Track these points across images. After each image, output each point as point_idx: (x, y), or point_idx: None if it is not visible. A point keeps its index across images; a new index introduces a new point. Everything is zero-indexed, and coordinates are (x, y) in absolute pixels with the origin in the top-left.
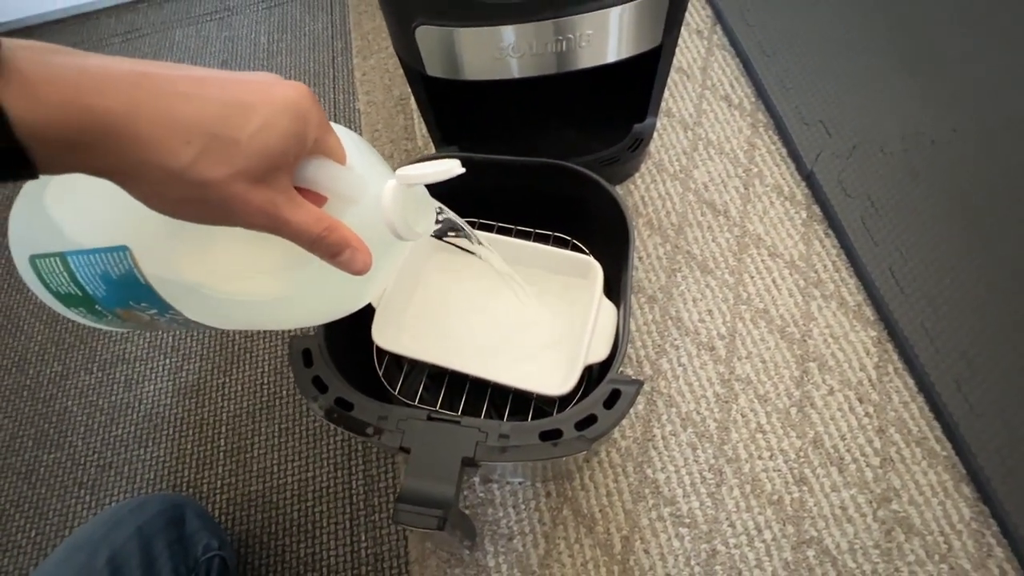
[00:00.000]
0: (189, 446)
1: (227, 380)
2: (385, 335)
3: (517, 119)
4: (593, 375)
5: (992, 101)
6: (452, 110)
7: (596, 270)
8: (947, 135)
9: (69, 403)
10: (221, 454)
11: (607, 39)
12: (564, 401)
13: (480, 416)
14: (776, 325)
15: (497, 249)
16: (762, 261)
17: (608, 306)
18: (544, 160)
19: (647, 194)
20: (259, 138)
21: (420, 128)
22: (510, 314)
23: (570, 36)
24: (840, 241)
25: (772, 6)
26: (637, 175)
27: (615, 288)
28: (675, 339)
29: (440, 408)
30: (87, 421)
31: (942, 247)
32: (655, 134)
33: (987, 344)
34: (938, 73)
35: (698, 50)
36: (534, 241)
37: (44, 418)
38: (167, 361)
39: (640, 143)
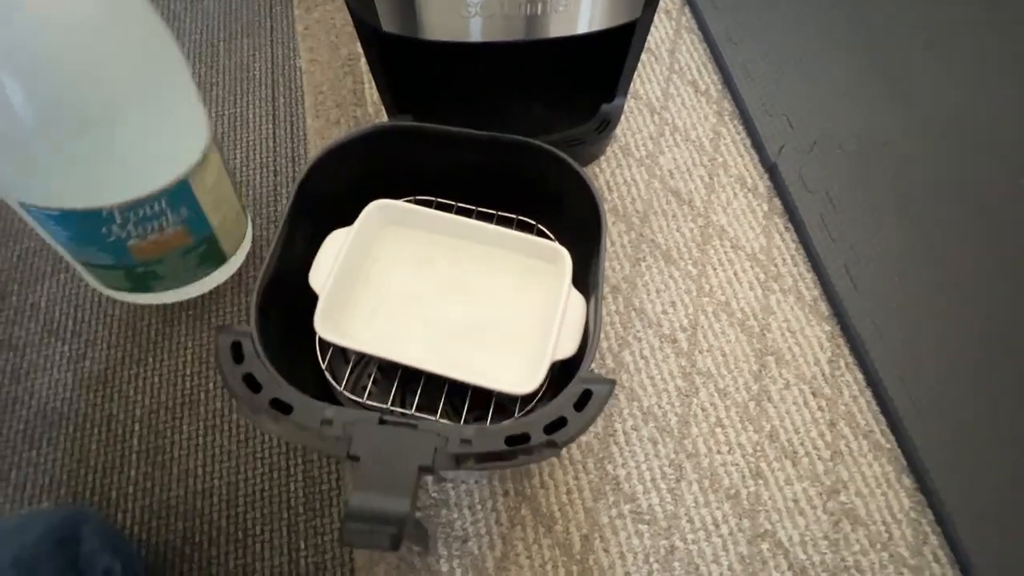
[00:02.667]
0: (94, 447)
1: (141, 371)
2: (329, 325)
3: (478, 90)
4: (554, 371)
5: (938, 107)
6: (407, 75)
7: (564, 258)
8: (897, 137)
9: None
10: (134, 456)
11: (583, 6)
12: (526, 398)
13: (437, 412)
14: (737, 318)
15: (458, 229)
16: (725, 253)
17: (576, 298)
18: (511, 137)
19: (612, 179)
20: None
21: (371, 93)
22: (470, 299)
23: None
24: (799, 236)
25: None
26: (603, 158)
27: (582, 279)
28: (638, 331)
29: (392, 405)
30: None
31: (893, 246)
32: (622, 117)
33: (930, 342)
34: (891, 76)
35: (666, 31)
36: (496, 223)
37: None
38: (65, 348)
39: (607, 124)
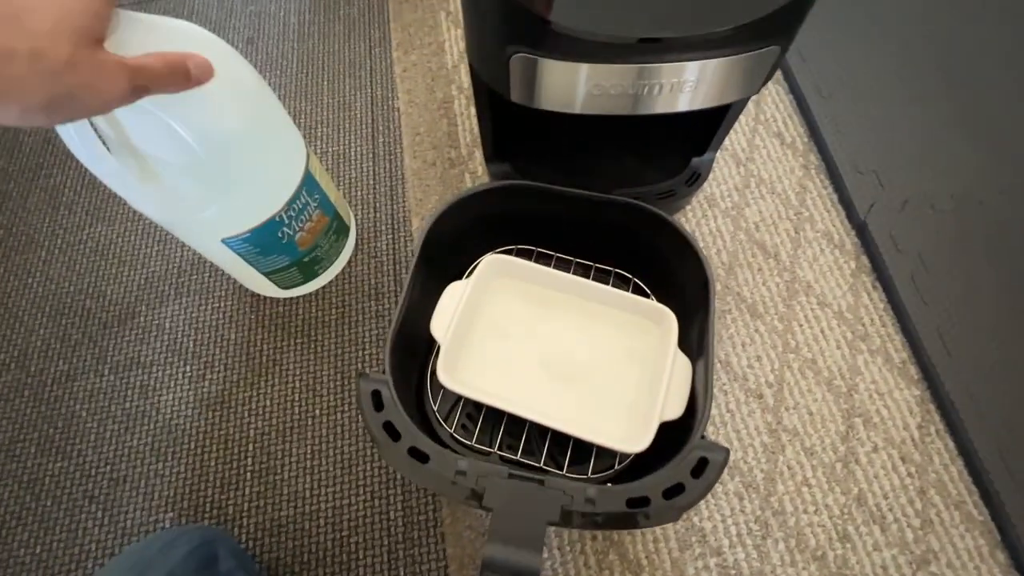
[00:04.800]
0: (213, 463)
1: (254, 394)
2: (449, 374)
3: (573, 142)
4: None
5: None
6: (509, 128)
7: (670, 319)
8: (993, 197)
9: (77, 407)
10: (248, 474)
11: (701, 87)
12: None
13: (540, 458)
14: (823, 377)
15: (568, 285)
16: (811, 309)
17: (682, 360)
18: (623, 199)
19: (698, 229)
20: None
21: (464, 135)
22: (578, 354)
23: (662, 82)
24: (888, 296)
25: (830, 45)
26: (688, 208)
27: (682, 339)
28: (724, 384)
29: (497, 449)
30: (98, 428)
31: (990, 312)
32: None
33: None
34: (988, 134)
35: None
36: (594, 277)
37: (49, 422)
38: (187, 368)
39: (698, 178)
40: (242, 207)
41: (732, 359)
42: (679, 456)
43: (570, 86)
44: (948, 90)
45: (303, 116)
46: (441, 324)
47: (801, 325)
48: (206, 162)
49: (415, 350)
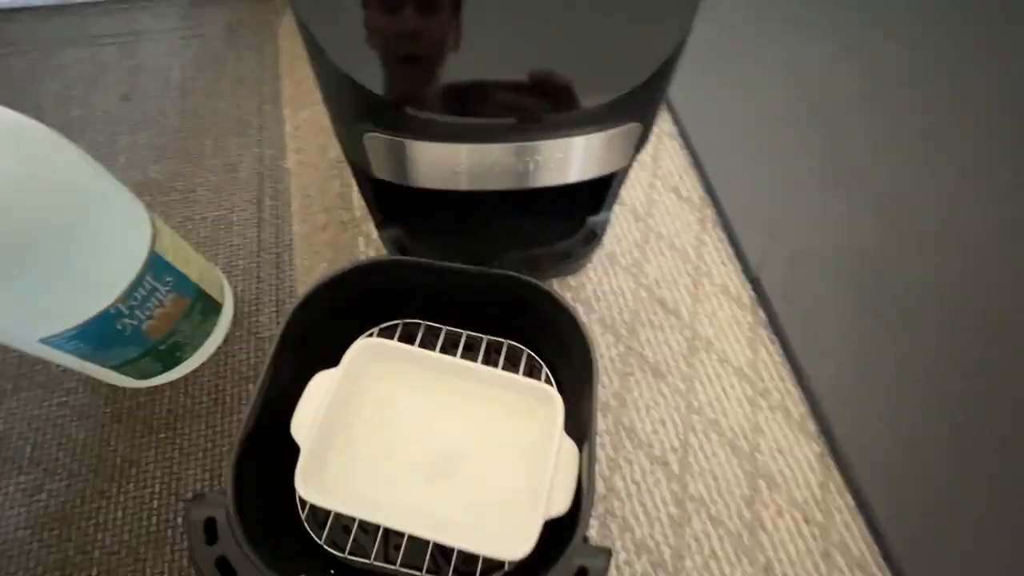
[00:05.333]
0: None
1: (103, 504)
2: (311, 482)
3: (468, 209)
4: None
5: (912, 217)
6: (397, 199)
7: (555, 401)
8: (875, 248)
9: None
10: None
11: (575, 162)
12: None
13: (423, 567)
14: (727, 438)
15: (446, 367)
16: (712, 367)
17: (569, 447)
18: (501, 272)
19: (599, 288)
20: None
21: (357, 197)
22: (458, 448)
23: (538, 159)
24: (784, 350)
25: (717, 100)
26: (590, 266)
27: (573, 415)
28: (628, 452)
29: (375, 560)
30: None
31: (880, 362)
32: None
33: (921, 467)
34: (862, 185)
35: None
36: (485, 349)
37: None
38: (21, 479)
39: (594, 237)
40: (57, 305)
41: (636, 425)
42: (556, 567)
43: (437, 166)
44: (825, 143)
45: (181, 179)
46: (302, 424)
47: (703, 384)
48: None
49: (284, 451)
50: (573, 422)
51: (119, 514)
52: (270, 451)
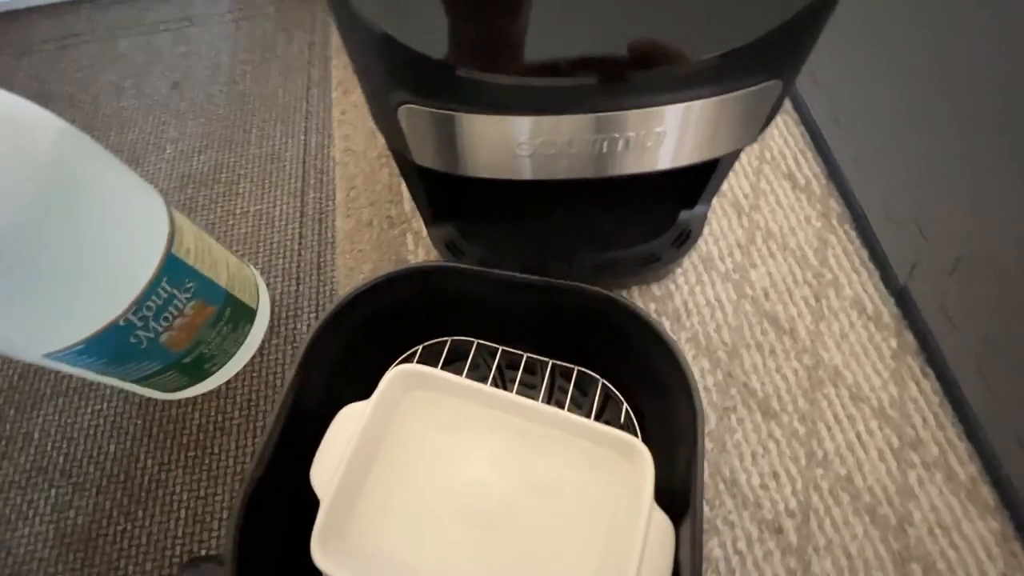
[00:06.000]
0: None
1: (129, 527)
2: (331, 546)
3: (529, 198)
4: None
5: None
6: (447, 189)
7: (643, 458)
8: None
9: None
10: None
11: (678, 140)
12: None
13: None
14: (864, 502)
15: (502, 404)
16: (842, 406)
17: (661, 521)
18: (573, 284)
19: (691, 299)
20: None
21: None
22: (516, 507)
23: (628, 136)
24: (944, 387)
25: (850, 62)
26: (680, 272)
27: (664, 476)
28: (728, 512)
29: None
30: None
31: None
32: None
33: None
34: None
35: None
36: (550, 372)
37: None
38: (53, 492)
39: (688, 236)
40: (58, 316)
41: (740, 476)
42: None
43: (491, 148)
44: (1004, 115)
45: (225, 169)
46: (324, 470)
47: (830, 428)
48: None
49: (305, 501)
50: (667, 481)
51: (143, 540)
52: (288, 501)
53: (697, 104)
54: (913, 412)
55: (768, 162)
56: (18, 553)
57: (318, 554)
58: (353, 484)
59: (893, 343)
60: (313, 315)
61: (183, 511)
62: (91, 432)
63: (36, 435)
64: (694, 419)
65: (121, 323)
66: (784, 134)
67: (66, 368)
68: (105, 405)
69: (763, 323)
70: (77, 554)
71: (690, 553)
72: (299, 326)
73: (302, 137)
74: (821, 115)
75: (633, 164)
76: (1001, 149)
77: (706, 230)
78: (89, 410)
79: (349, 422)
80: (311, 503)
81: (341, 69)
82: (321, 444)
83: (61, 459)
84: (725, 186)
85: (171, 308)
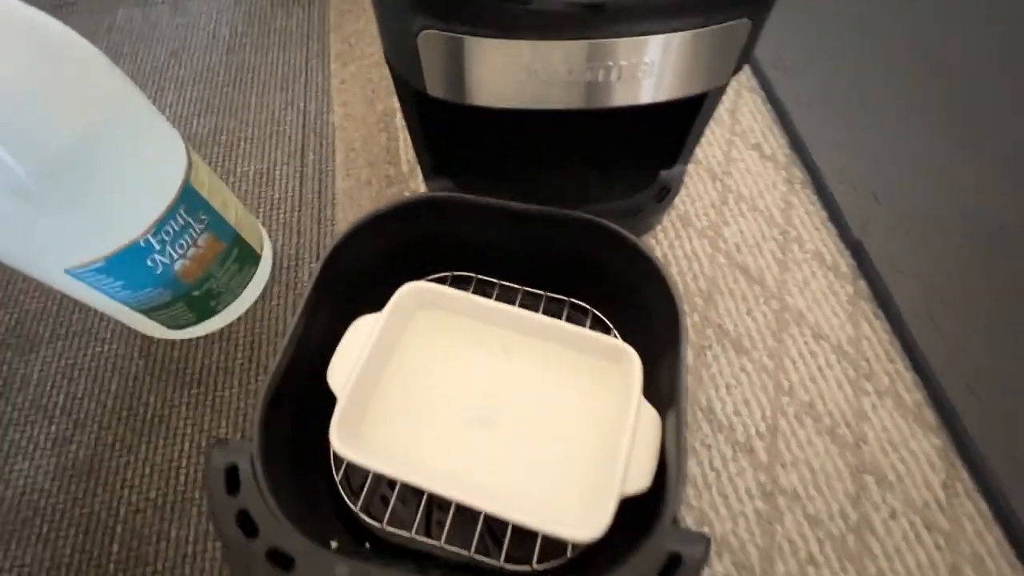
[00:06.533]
0: (68, 551)
1: (131, 459)
2: (347, 437)
3: (525, 153)
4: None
5: None
6: (448, 136)
7: (632, 360)
8: (1005, 211)
9: None
10: (111, 565)
11: (663, 73)
12: None
13: (471, 546)
14: (825, 424)
15: (505, 319)
16: (805, 343)
17: (649, 414)
18: (568, 213)
19: (671, 252)
20: None
21: (406, 151)
22: (516, 409)
23: (620, 64)
24: (893, 326)
25: (809, 51)
26: (659, 228)
27: (651, 382)
28: (706, 436)
29: (416, 533)
30: None
31: (1018, 344)
32: None
33: None
34: (992, 140)
35: (725, 91)
36: (544, 307)
37: None
38: (52, 428)
39: (667, 192)
40: (88, 228)
41: (715, 405)
42: (641, 551)
43: (500, 72)
44: (943, 93)
45: (225, 132)
46: (341, 372)
47: (795, 361)
48: (26, 178)
49: (318, 407)
50: (651, 391)
51: (147, 471)
52: (303, 405)
53: (677, 36)
54: (867, 348)
55: (739, 135)
56: (18, 485)
57: (336, 441)
58: (366, 386)
59: (849, 289)
60: (314, 265)
61: (187, 443)
62: (92, 372)
63: (35, 376)
64: (676, 325)
65: (141, 243)
66: (753, 111)
67: (82, 292)
68: (106, 347)
69: (735, 273)
70: (80, 485)
71: (675, 439)
72: (300, 275)
73: (301, 104)
74: (785, 96)
75: (622, 96)
76: (942, 123)
77: (684, 192)
78: (90, 352)
79: (363, 329)
80: (317, 408)
81: (340, 42)
82: (337, 349)
83: (61, 398)
84: (701, 155)
85: (186, 236)
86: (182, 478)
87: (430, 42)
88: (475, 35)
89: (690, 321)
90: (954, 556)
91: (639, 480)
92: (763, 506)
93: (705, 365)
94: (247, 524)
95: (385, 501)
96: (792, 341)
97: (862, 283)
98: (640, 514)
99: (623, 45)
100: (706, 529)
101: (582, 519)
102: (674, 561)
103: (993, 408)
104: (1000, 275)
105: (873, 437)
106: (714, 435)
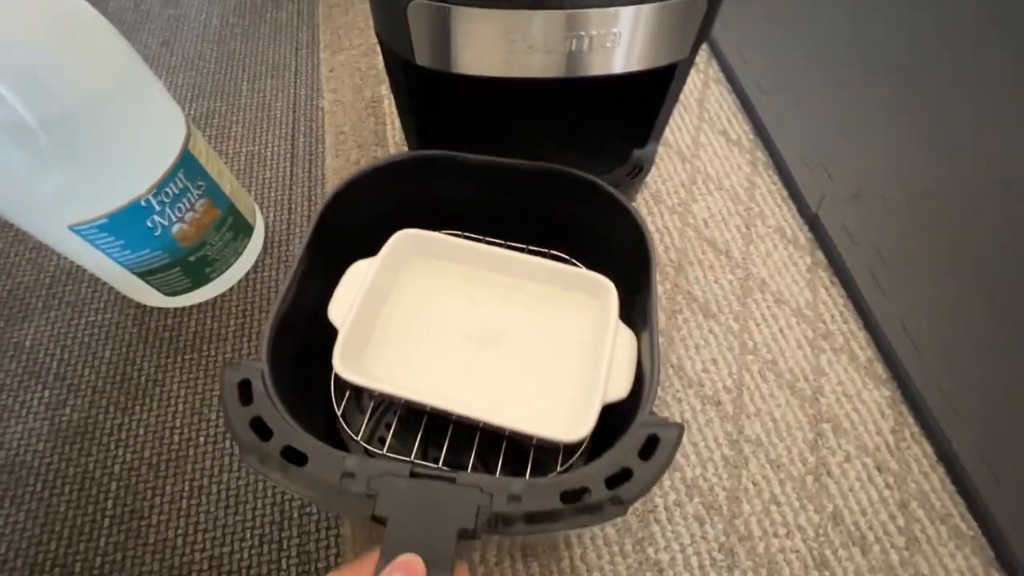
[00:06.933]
0: (63, 509)
1: (126, 421)
2: (349, 363)
3: (506, 131)
4: (600, 420)
5: (982, 155)
6: (434, 114)
7: (609, 290)
8: (943, 186)
9: None
10: (106, 521)
11: (629, 44)
12: (568, 453)
13: (467, 469)
14: (786, 379)
15: (492, 261)
16: (767, 308)
17: (626, 333)
18: (541, 164)
19: None
20: None
21: (392, 134)
22: (506, 337)
23: (592, 34)
24: (847, 291)
25: (769, 47)
26: (633, 204)
27: (628, 316)
28: (677, 391)
29: (415, 459)
30: None
31: (955, 303)
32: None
33: (1012, 409)
34: (929, 122)
35: (694, 83)
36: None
37: None
38: (46, 393)
39: (640, 170)
40: (93, 185)
41: (685, 363)
42: (626, 435)
43: (482, 40)
44: (887, 79)
45: (217, 116)
46: (340, 307)
47: (758, 324)
48: (38, 129)
49: (318, 350)
50: (628, 322)
51: (141, 431)
52: (304, 347)
53: (644, 8)
54: (824, 311)
55: (706, 122)
56: (11, 447)
57: (339, 364)
58: (365, 320)
59: (808, 259)
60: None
61: (181, 405)
62: (85, 340)
63: (28, 343)
64: (647, 257)
65: (142, 203)
66: (719, 100)
67: (83, 253)
68: (99, 316)
69: (703, 246)
70: (74, 446)
71: (650, 353)
72: (292, 248)
73: (291, 90)
74: (748, 85)
75: (595, 65)
76: (889, 107)
77: (655, 173)
78: (83, 321)
79: (359, 272)
80: (317, 356)
81: (329, 34)
82: (336, 289)
83: (55, 364)
84: (672, 139)
85: (185, 200)
86: (176, 437)
87: (419, 12)
88: (460, 3)
89: (662, 289)
90: (902, 493)
91: (619, 389)
92: (730, 452)
93: (676, 328)
94: (260, 428)
95: (383, 441)
96: (756, 306)
97: (819, 253)
98: (621, 419)
99: (593, 15)
100: (677, 474)
101: (568, 424)
102: (652, 441)
103: (934, 361)
104: (939, 241)
105: (829, 390)
106: (684, 390)
